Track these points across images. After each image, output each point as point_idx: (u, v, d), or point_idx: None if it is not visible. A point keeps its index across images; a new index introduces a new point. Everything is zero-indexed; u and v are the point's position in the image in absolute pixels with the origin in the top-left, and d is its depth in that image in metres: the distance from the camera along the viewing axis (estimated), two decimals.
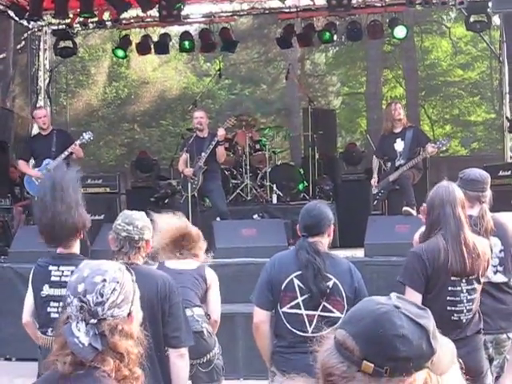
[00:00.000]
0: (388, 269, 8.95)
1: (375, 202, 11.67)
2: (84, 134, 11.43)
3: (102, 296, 2.59)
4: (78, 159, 11.39)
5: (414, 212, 10.33)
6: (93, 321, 2.58)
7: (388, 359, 1.87)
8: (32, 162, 12.01)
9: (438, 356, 1.95)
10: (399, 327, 1.89)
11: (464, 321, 4.96)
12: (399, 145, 11.07)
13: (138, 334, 2.71)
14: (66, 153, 11.00)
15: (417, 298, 4.88)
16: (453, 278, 4.92)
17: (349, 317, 2.02)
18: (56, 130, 11.62)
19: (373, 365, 1.86)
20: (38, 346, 5.90)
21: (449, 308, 4.91)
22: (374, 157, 11.73)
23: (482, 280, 5.06)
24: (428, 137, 11.73)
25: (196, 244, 6.21)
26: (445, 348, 2.00)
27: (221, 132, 11.35)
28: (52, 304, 5.73)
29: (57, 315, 5.68)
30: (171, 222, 6.23)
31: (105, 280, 2.62)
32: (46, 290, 5.76)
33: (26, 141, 13.69)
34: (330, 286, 4.91)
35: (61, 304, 5.65)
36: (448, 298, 4.93)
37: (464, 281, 4.93)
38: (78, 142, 11.13)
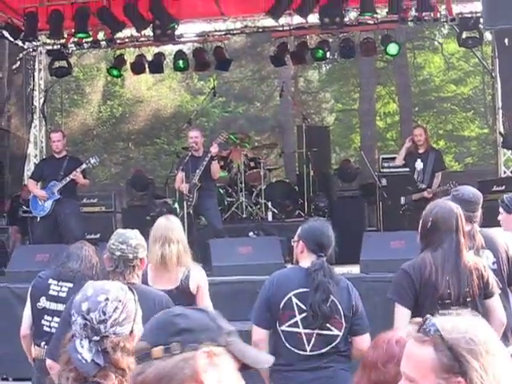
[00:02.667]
0: (384, 285, 8.93)
1: (401, 211, 11.85)
2: (91, 158, 11.53)
3: (104, 314, 2.64)
4: (82, 186, 11.44)
5: None
6: (96, 338, 2.63)
7: (172, 335, 1.92)
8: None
9: (238, 342, 2.01)
10: (175, 310, 2.00)
11: None
12: (419, 165, 11.34)
13: None
14: (68, 179, 11.06)
15: (406, 313, 4.91)
16: (441, 302, 4.93)
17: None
18: (70, 156, 11.67)
19: (161, 347, 1.91)
20: (33, 358, 5.95)
21: None
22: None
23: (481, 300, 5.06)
24: (444, 165, 11.94)
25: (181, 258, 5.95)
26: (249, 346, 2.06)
27: (214, 148, 11.36)
28: (46, 317, 5.82)
29: (48, 329, 5.74)
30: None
31: (107, 299, 2.67)
32: (43, 302, 5.85)
33: (38, 162, 13.90)
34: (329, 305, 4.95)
35: (54, 319, 5.71)
36: (440, 311, 4.93)
37: (456, 305, 4.94)
38: (83, 166, 11.19)
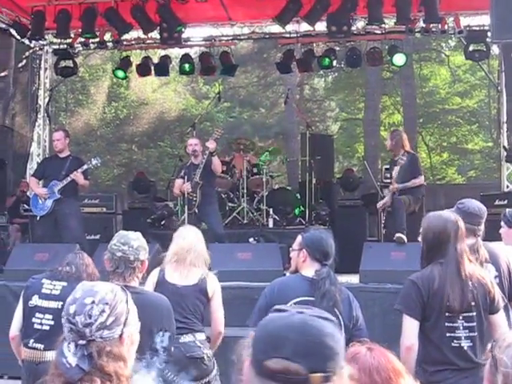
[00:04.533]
0: (383, 295, 8.94)
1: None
2: (92, 159, 11.47)
3: (90, 317, 2.60)
4: (81, 187, 11.41)
5: (405, 239, 10.30)
6: (81, 342, 2.59)
7: (328, 360, 1.89)
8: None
9: None
10: (323, 327, 1.93)
11: (465, 347, 4.93)
12: (395, 171, 11.09)
13: (131, 355, 2.71)
14: (69, 178, 11.03)
15: (414, 324, 4.87)
16: (448, 314, 4.90)
17: (265, 343, 1.99)
18: (72, 156, 11.62)
19: (320, 374, 1.88)
20: (21, 361, 5.93)
21: (448, 334, 4.89)
22: None
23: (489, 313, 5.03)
24: (416, 169, 11.50)
25: (200, 256, 6.23)
26: None
27: (211, 144, 11.27)
28: (37, 315, 5.81)
29: (39, 326, 5.73)
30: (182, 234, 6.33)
31: (93, 302, 2.63)
32: (35, 301, 5.84)
33: (41, 160, 13.90)
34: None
35: (46, 316, 5.69)
36: (446, 324, 4.91)
37: (461, 317, 4.92)
38: (84, 167, 11.15)
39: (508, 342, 2.10)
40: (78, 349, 2.59)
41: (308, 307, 2.03)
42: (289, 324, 1.93)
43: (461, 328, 4.90)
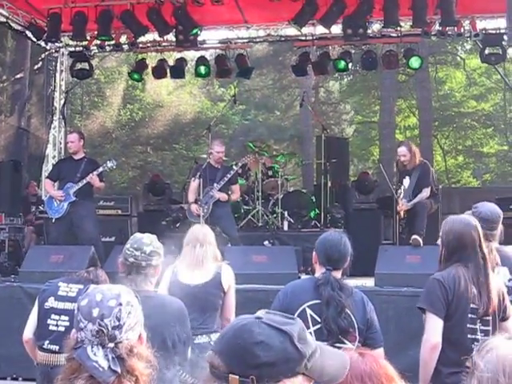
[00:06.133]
0: (398, 299, 8.92)
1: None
2: (108, 161, 11.50)
3: (119, 320, 2.61)
4: (97, 189, 11.44)
5: (421, 241, 10.32)
6: (110, 345, 2.59)
7: (251, 367, 1.87)
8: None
9: (317, 361, 1.94)
10: (257, 334, 1.90)
11: None
12: (406, 182, 11.16)
13: (148, 356, 2.73)
14: (84, 181, 11.07)
15: (439, 323, 4.83)
16: (471, 316, 4.88)
17: (217, 337, 2.06)
18: (87, 158, 11.66)
19: (237, 376, 1.87)
20: (36, 363, 5.94)
21: (469, 336, 4.86)
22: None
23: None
24: (428, 181, 11.55)
25: (210, 251, 6.27)
26: (330, 355, 2.02)
27: (223, 197, 11.46)
28: (53, 316, 5.81)
29: (55, 328, 5.74)
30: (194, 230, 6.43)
31: (120, 304, 2.64)
32: (51, 303, 5.85)
33: (56, 162, 13.96)
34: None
35: (61, 317, 5.70)
36: (468, 325, 4.88)
37: (479, 320, 4.90)
38: (100, 169, 11.19)
39: (489, 347, 2.08)
40: (108, 352, 2.59)
41: (279, 314, 2.03)
42: (234, 325, 1.98)
43: (478, 331, 4.88)
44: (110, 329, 2.60)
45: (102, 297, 2.67)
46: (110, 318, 2.61)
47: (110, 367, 2.56)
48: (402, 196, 11.16)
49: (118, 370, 2.56)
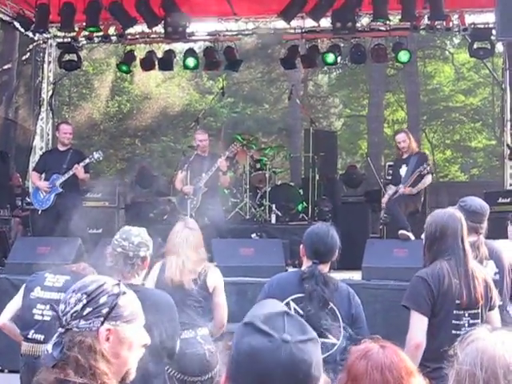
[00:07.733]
0: (385, 292, 8.94)
1: (380, 225, 11.75)
2: (94, 153, 11.50)
3: (68, 306, 2.60)
4: (81, 181, 11.41)
5: (410, 235, 10.32)
6: (60, 330, 2.59)
7: None
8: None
9: None
10: (309, 358, 1.92)
11: None
12: (403, 170, 11.14)
13: (121, 355, 2.65)
14: (71, 172, 11.05)
15: (423, 321, 4.85)
16: (456, 312, 4.88)
17: (253, 380, 1.93)
18: (73, 149, 11.65)
19: None
20: (20, 354, 5.92)
21: (453, 332, 4.87)
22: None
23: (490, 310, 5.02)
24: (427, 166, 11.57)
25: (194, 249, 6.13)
26: None
27: (222, 163, 11.35)
28: (38, 306, 5.81)
29: (40, 317, 5.73)
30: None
31: (74, 291, 2.63)
32: (37, 292, 5.84)
33: (42, 154, 13.91)
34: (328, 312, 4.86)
35: (47, 307, 5.68)
36: (453, 321, 4.89)
37: (467, 314, 4.90)
38: (86, 161, 11.18)
39: (471, 339, 2.07)
40: (57, 336, 2.58)
41: (293, 322, 1.99)
42: (276, 360, 1.88)
43: (466, 326, 4.89)
44: (60, 313, 2.60)
45: (73, 284, 2.68)
46: (62, 304, 2.62)
47: (51, 352, 2.56)
48: (401, 183, 11.10)
49: (56, 356, 2.54)
